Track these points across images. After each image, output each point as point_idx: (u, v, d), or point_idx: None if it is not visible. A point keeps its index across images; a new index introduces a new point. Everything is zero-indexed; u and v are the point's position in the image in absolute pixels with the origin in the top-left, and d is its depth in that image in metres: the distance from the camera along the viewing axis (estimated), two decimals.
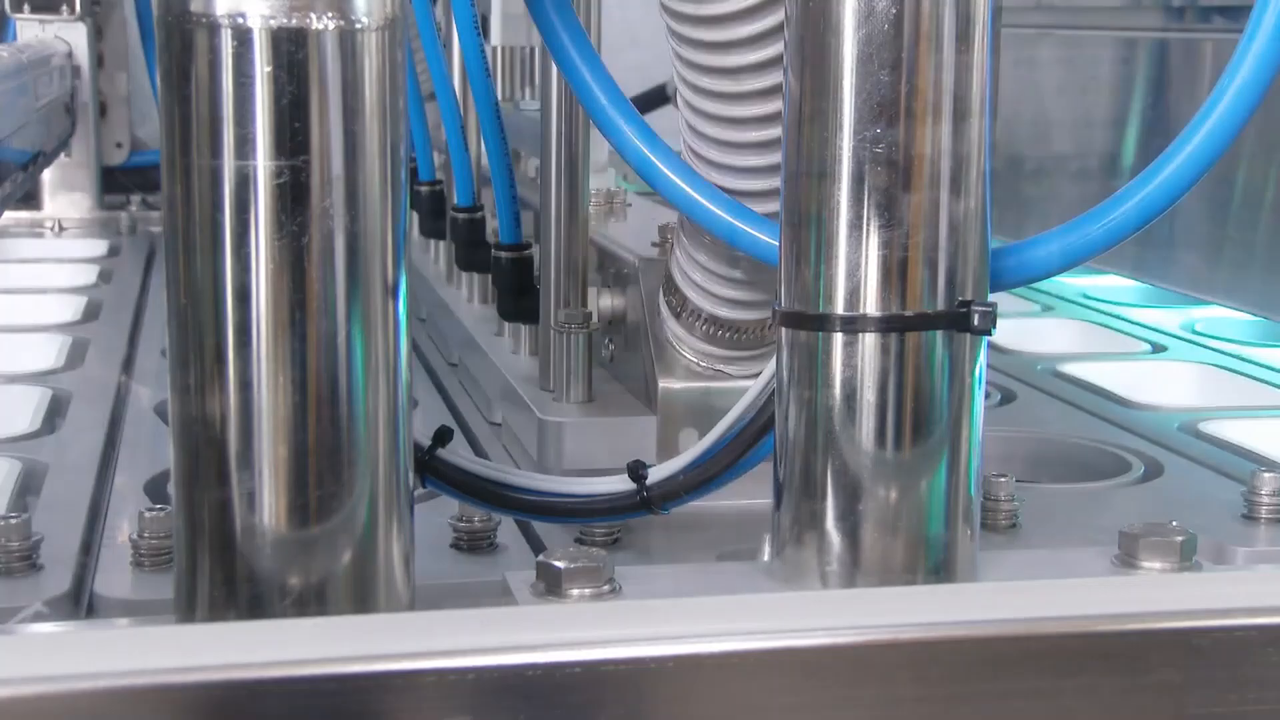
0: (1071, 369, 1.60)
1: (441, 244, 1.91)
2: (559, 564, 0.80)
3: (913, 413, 0.81)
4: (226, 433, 0.74)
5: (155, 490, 1.15)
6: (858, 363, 0.80)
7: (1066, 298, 2.01)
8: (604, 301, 1.26)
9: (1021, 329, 1.83)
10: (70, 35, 2.65)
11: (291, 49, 0.72)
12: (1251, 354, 1.68)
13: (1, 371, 1.57)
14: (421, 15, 1.53)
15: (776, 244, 0.85)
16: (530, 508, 0.92)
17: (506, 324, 1.46)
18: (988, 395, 1.43)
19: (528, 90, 1.92)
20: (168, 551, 0.94)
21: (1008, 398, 1.49)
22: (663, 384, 1.14)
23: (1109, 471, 1.25)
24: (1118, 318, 1.89)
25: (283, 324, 0.73)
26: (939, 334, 0.81)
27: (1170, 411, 1.44)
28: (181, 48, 0.72)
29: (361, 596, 0.77)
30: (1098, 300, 1.98)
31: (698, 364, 1.14)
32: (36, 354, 1.67)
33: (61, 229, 2.66)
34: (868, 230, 0.80)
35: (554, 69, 1.24)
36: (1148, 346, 1.73)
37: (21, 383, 1.52)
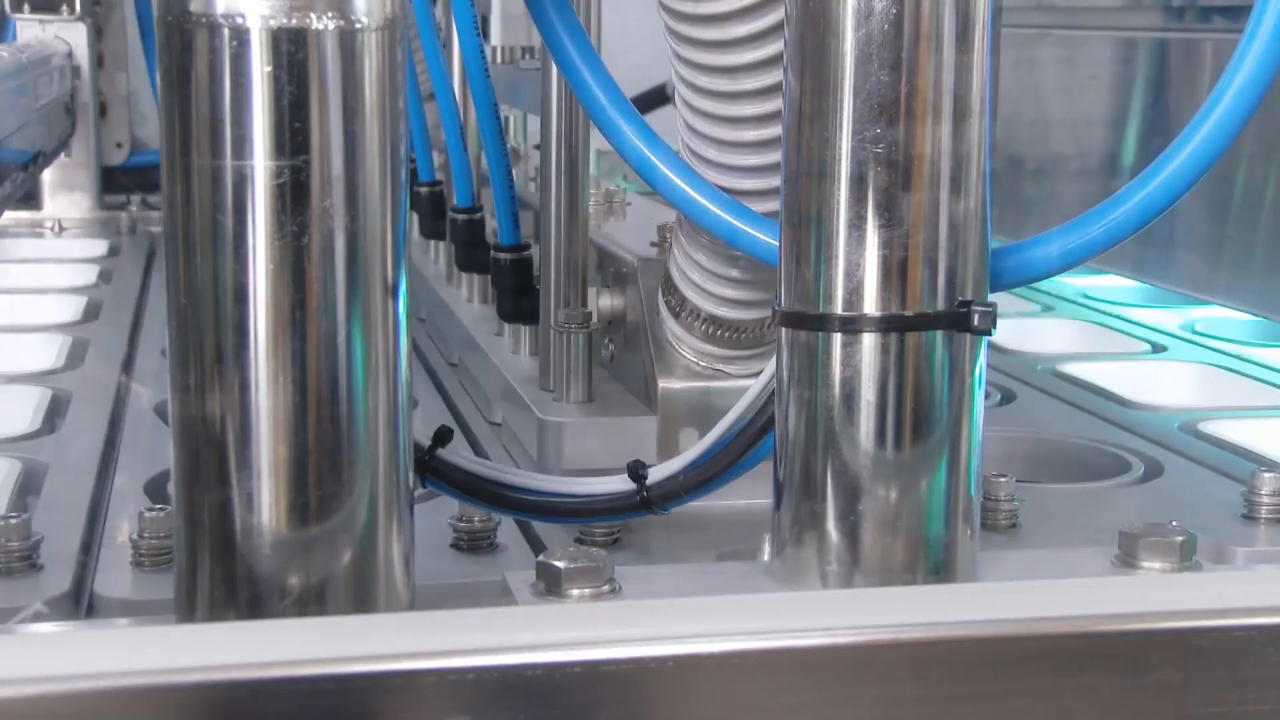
0: (1071, 369, 1.60)
1: (441, 244, 1.90)
2: (559, 564, 0.80)
3: (912, 413, 0.81)
4: (226, 433, 0.74)
5: (155, 490, 1.15)
6: (857, 363, 0.80)
7: (1066, 298, 2.01)
8: (604, 301, 1.26)
9: (1021, 329, 1.83)
10: (70, 35, 2.65)
11: (291, 49, 0.72)
12: (1251, 354, 1.68)
13: (1, 371, 1.57)
14: (421, 15, 1.53)
15: (776, 244, 0.85)
16: (530, 508, 0.92)
17: (506, 324, 1.46)
18: (988, 395, 1.43)
19: (527, 55, 1.89)
20: (168, 551, 0.94)
21: (1008, 398, 1.49)
22: (662, 384, 1.14)
23: (1109, 471, 1.25)
24: (1118, 318, 1.89)
25: (283, 324, 0.73)
26: (939, 334, 0.81)
27: (1170, 411, 1.44)
28: (181, 48, 0.72)
29: (361, 596, 0.77)
30: (1098, 300, 1.98)
31: (697, 364, 1.14)
32: (37, 354, 1.67)
33: (61, 229, 2.66)
34: (868, 230, 0.80)
35: (554, 69, 1.24)
36: (1148, 346, 1.73)
37: (21, 383, 1.52)
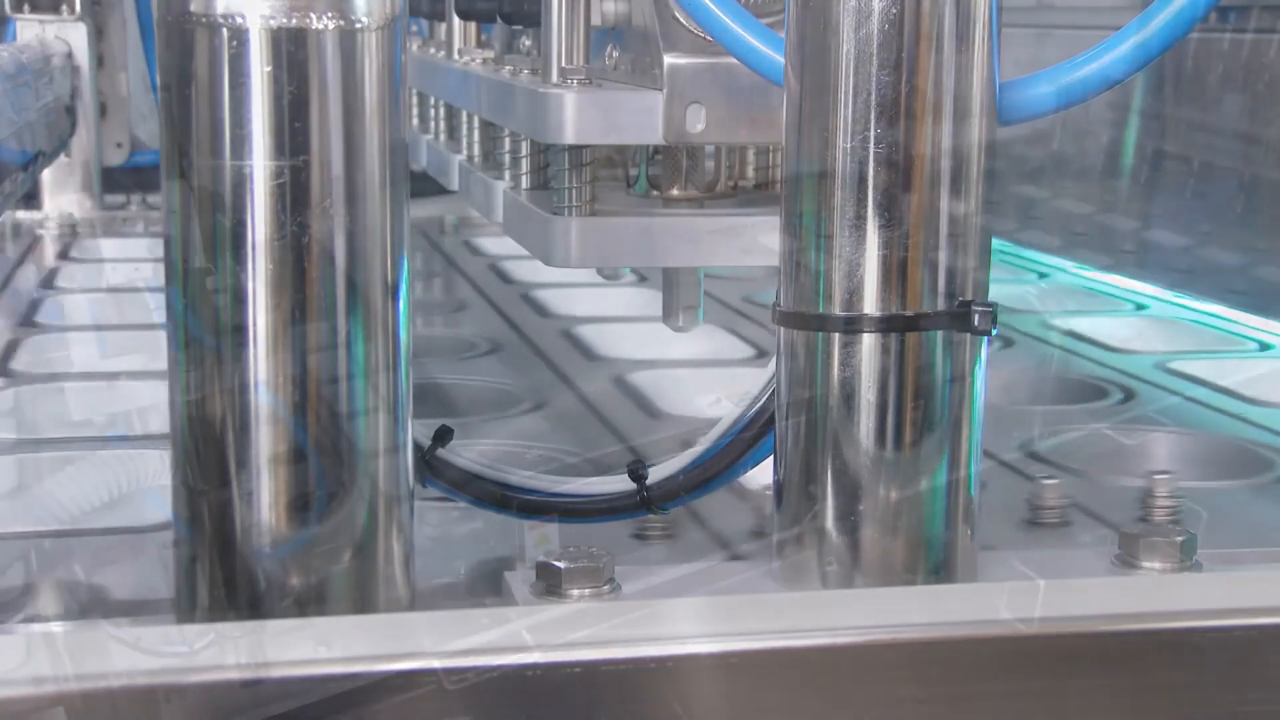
0: (1183, 366, 1.57)
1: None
2: (559, 564, 0.80)
3: (912, 413, 0.81)
4: (226, 433, 0.74)
5: None
6: (857, 363, 0.80)
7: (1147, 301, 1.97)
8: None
9: (1124, 328, 1.77)
10: (70, 35, 2.64)
11: (291, 49, 0.72)
12: None
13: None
14: None
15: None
16: (530, 508, 0.92)
17: None
18: (1105, 394, 1.42)
19: None
20: None
21: (1128, 395, 1.47)
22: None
23: (1253, 470, 1.24)
24: (1212, 315, 1.85)
25: (283, 324, 0.73)
26: (939, 334, 0.81)
27: None
28: (181, 48, 0.72)
29: (361, 596, 0.77)
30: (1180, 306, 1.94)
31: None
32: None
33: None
34: (868, 230, 0.80)
35: None
36: (1254, 345, 1.71)
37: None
